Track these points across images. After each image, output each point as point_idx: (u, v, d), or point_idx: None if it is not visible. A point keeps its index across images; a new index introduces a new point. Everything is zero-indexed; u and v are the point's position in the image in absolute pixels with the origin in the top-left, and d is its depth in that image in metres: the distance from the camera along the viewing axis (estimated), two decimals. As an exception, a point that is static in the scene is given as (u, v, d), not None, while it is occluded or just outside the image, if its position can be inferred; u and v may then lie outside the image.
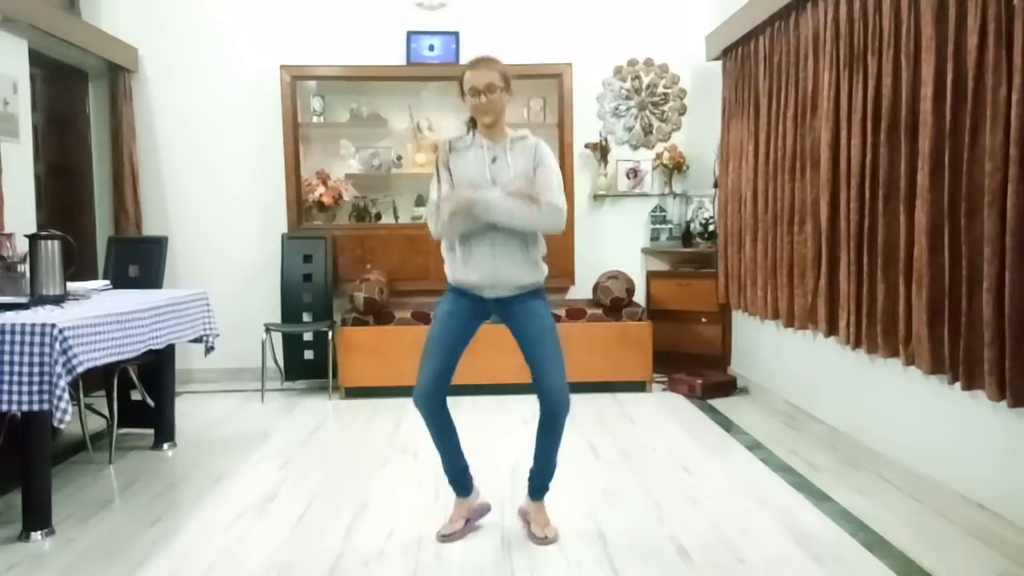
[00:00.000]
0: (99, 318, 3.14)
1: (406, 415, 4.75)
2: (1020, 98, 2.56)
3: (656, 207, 5.97)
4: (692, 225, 5.86)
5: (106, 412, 4.13)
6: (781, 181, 4.48)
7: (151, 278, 4.57)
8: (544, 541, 2.88)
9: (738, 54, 5.15)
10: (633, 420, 4.66)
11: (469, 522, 3.04)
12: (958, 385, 2.96)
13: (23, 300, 3.30)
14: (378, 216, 5.84)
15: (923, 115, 3.12)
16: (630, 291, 5.40)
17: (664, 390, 5.37)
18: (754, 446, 4.10)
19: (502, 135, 2.85)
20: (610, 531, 3.00)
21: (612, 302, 5.34)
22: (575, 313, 5.36)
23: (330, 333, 5.34)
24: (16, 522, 3.02)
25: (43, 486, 3.01)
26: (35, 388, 2.82)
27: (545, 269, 2.91)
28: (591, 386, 5.19)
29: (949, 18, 2.97)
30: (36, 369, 2.83)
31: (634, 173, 5.96)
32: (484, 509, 3.12)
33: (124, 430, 4.30)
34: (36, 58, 4.71)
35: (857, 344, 3.69)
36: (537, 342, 2.82)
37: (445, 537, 2.94)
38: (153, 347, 3.62)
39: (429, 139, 5.73)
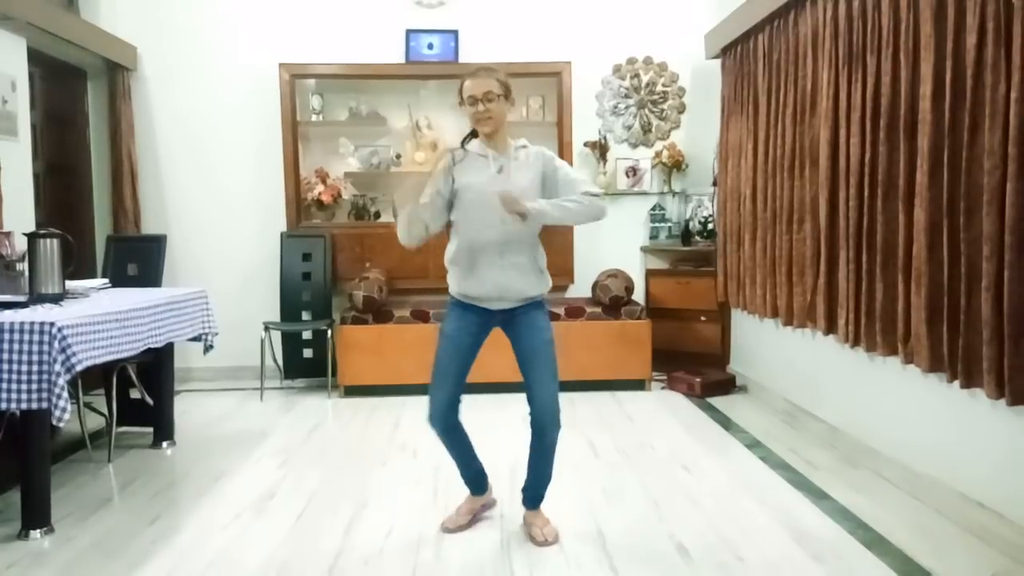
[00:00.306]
0: (98, 316, 3.14)
1: (405, 413, 4.76)
2: (1019, 96, 2.56)
3: (655, 205, 5.97)
4: (691, 223, 5.86)
5: (105, 410, 4.13)
6: (780, 179, 4.48)
7: (150, 277, 4.58)
8: (544, 543, 2.87)
9: (737, 52, 5.15)
10: (632, 419, 4.66)
11: (475, 516, 3.07)
12: (957, 383, 2.96)
13: (22, 299, 3.30)
14: (377, 214, 5.84)
15: (922, 113, 3.12)
16: (629, 289, 5.40)
17: (663, 388, 5.37)
18: (753, 444, 4.10)
19: (505, 145, 2.81)
20: (609, 530, 3.00)
21: (611, 300, 5.34)
22: (574, 311, 5.36)
23: (329, 331, 5.34)
24: (15, 520, 3.02)
25: (42, 484, 3.01)
26: (34, 387, 2.82)
27: (550, 279, 2.89)
28: (590, 384, 5.19)
29: (948, 16, 2.97)
30: (35, 368, 2.82)
31: (633, 171, 5.96)
32: (491, 504, 3.18)
33: (123, 428, 4.30)
34: (35, 56, 4.70)
35: (856, 342, 3.70)
36: (534, 356, 2.79)
37: (449, 530, 2.98)
38: (152, 345, 3.62)
39: (428, 137, 5.73)
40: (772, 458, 3.86)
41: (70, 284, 3.63)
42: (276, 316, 5.57)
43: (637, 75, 5.95)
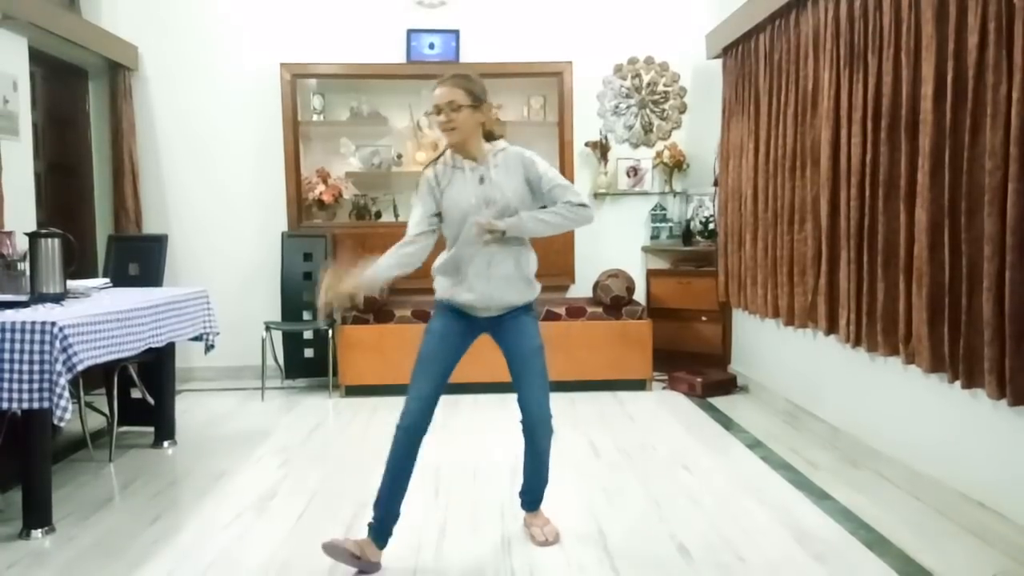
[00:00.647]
0: (99, 316, 3.14)
1: (406, 413, 4.76)
2: (1020, 96, 2.56)
3: (656, 205, 5.97)
4: (692, 223, 5.86)
5: (106, 410, 4.14)
6: (781, 179, 4.48)
7: (151, 276, 4.58)
8: (545, 543, 2.87)
9: (738, 52, 5.15)
10: (633, 419, 4.66)
11: (352, 558, 2.62)
12: (958, 383, 2.96)
13: (23, 298, 3.31)
14: (378, 214, 5.84)
15: (923, 113, 3.11)
16: (630, 289, 5.40)
17: (664, 388, 5.37)
18: (754, 444, 4.10)
19: (481, 152, 2.72)
20: (610, 530, 3.00)
21: (612, 300, 5.34)
22: (575, 311, 5.36)
23: (330, 331, 5.34)
24: (16, 520, 3.02)
25: (43, 484, 3.02)
26: (35, 386, 2.82)
27: (538, 287, 2.84)
28: (591, 384, 5.19)
29: (949, 17, 2.96)
30: (36, 367, 2.82)
31: (634, 171, 5.96)
32: (374, 568, 2.66)
33: (124, 428, 4.30)
34: (36, 56, 4.70)
35: (857, 342, 3.69)
36: (524, 363, 2.76)
37: (327, 546, 2.64)
38: (153, 345, 3.62)
39: (429, 137, 5.73)
40: (773, 458, 3.86)
41: (71, 284, 3.63)
42: (277, 316, 5.57)
43: (638, 75, 5.95)
